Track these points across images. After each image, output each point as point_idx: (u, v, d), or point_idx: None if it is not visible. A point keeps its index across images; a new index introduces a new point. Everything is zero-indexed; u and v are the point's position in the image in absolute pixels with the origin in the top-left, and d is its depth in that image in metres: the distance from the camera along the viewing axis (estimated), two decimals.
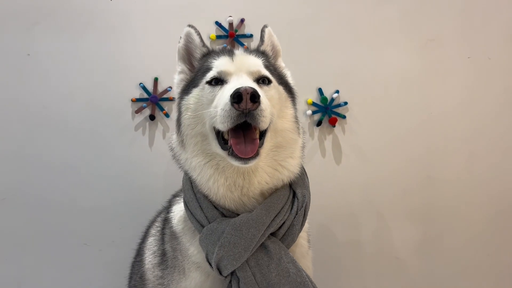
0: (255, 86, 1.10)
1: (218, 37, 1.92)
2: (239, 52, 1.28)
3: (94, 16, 1.90)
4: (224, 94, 1.10)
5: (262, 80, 1.21)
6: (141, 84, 1.90)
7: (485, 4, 2.02)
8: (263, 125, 1.07)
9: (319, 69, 1.97)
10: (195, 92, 1.22)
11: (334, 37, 1.98)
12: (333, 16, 1.99)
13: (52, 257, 1.91)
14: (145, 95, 1.91)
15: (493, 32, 2.03)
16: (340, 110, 1.99)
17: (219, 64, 1.21)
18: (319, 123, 1.98)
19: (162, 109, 1.92)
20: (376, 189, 2.03)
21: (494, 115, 2.04)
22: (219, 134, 1.14)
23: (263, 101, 1.07)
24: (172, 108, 1.94)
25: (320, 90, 1.97)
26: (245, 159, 1.06)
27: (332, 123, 1.97)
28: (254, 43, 1.95)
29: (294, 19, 1.95)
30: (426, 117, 2.03)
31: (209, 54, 1.32)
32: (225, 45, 1.92)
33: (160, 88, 1.92)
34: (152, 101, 1.90)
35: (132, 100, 1.90)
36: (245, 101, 1.01)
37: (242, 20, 1.93)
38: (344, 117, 1.99)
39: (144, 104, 1.90)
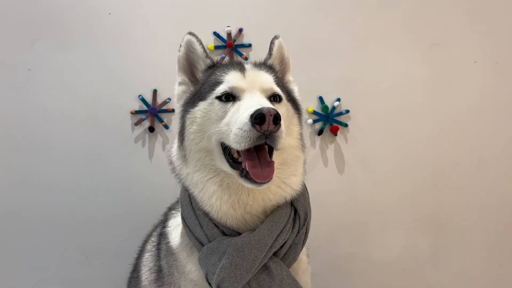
0: (270, 105, 1.06)
1: (216, 47, 1.90)
2: (249, 66, 1.24)
3: (93, 30, 1.90)
4: (240, 112, 1.05)
5: (273, 98, 1.18)
6: (140, 96, 1.90)
7: (490, 7, 1.95)
8: (280, 146, 1.03)
9: (319, 76, 1.93)
10: (202, 105, 1.17)
11: (334, 44, 1.94)
12: (333, 21, 1.95)
13: (53, 270, 1.91)
14: (144, 107, 1.90)
15: (500, 36, 1.96)
16: (341, 118, 1.95)
17: (231, 80, 1.16)
18: (320, 132, 1.94)
19: (161, 120, 1.91)
20: (381, 199, 1.97)
21: (502, 120, 1.97)
22: (226, 150, 1.10)
23: (282, 122, 1.03)
24: (171, 120, 1.93)
25: (320, 99, 1.94)
26: (261, 182, 1.02)
27: (334, 131, 1.93)
28: (253, 53, 1.92)
29: (293, 27, 1.92)
30: (432, 123, 1.97)
31: (215, 66, 1.28)
32: (223, 55, 1.90)
33: (159, 100, 1.91)
34: (151, 113, 1.90)
35: (131, 112, 1.90)
36: (267, 123, 0.97)
37: (240, 30, 1.91)
38: (346, 125, 1.95)
39: (144, 116, 1.90)
